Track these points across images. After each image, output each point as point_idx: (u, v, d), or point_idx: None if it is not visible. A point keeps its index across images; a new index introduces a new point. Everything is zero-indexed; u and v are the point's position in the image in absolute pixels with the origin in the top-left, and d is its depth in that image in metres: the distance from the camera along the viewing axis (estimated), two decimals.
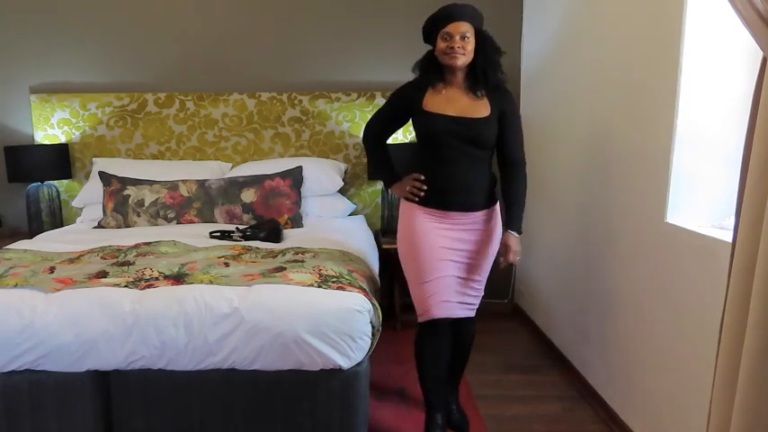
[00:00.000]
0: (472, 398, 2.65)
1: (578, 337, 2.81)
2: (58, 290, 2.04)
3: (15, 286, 2.05)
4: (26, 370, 1.97)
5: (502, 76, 2.16)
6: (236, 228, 2.94)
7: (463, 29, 2.06)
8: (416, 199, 2.19)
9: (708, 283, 1.74)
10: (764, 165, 1.31)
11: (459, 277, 2.22)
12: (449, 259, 2.18)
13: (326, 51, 3.68)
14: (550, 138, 3.16)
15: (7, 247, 2.69)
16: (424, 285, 2.17)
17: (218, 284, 2.07)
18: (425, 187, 2.17)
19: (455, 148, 2.13)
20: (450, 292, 2.19)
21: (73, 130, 3.66)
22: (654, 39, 2.07)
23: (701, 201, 1.95)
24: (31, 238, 3.10)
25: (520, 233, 2.21)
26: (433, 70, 2.16)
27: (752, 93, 1.39)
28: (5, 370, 1.96)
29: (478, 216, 2.20)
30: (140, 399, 2.02)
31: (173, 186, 3.24)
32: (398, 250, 2.27)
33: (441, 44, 2.09)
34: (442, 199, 2.17)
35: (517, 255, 2.20)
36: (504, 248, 2.20)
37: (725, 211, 1.90)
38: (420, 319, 2.22)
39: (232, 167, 3.62)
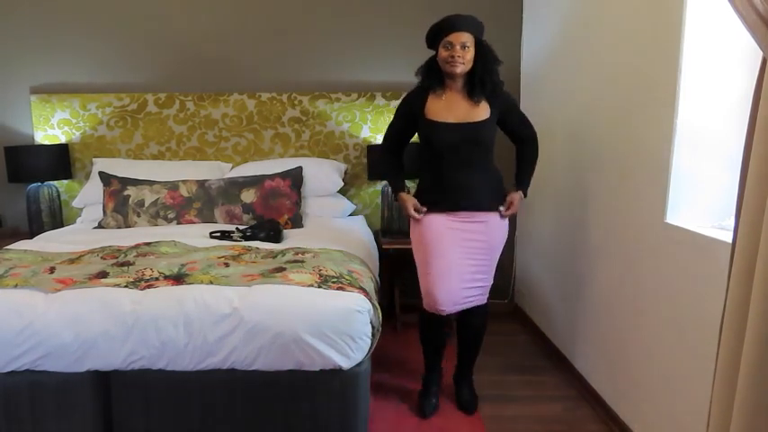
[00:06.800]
0: None
1: (578, 337, 2.81)
2: (59, 290, 2.04)
3: (15, 286, 2.05)
4: (26, 370, 1.97)
5: (499, 81, 2.34)
6: (236, 228, 2.94)
7: (464, 39, 2.21)
8: (419, 216, 2.38)
9: (708, 283, 1.74)
10: (764, 165, 1.31)
11: (467, 264, 2.35)
12: (456, 245, 2.33)
13: (326, 51, 3.68)
14: (550, 138, 3.16)
15: (7, 247, 2.69)
16: (429, 276, 2.33)
17: (218, 285, 2.07)
18: (425, 210, 2.37)
19: (457, 153, 2.31)
20: (454, 280, 2.32)
21: (73, 131, 3.66)
22: (654, 39, 2.07)
23: (700, 201, 1.95)
24: (31, 238, 3.10)
25: (525, 196, 2.43)
26: (434, 76, 2.33)
27: (752, 93, 1.39)
28: (5, 370, 1.96)
29: (487, 216, 2.38)
30: (140, 399, 2.02)
31: (173, 186, 3.24)
32: (412, 242, 2.46)
33: (442, 52, 2.25)
34: (448, 202, 2.35)
35: (515, 211, 2.43)
36: (508, 204, 2.40)
37: (725, 211, 1.90)
38: (425, 307, 2.39)
39: (232, 168, 3.62)
